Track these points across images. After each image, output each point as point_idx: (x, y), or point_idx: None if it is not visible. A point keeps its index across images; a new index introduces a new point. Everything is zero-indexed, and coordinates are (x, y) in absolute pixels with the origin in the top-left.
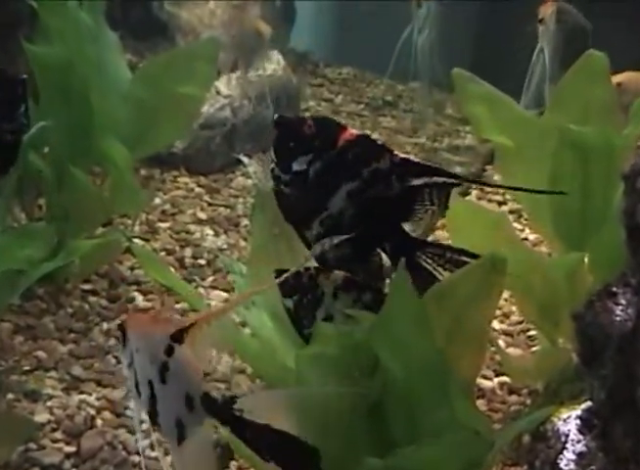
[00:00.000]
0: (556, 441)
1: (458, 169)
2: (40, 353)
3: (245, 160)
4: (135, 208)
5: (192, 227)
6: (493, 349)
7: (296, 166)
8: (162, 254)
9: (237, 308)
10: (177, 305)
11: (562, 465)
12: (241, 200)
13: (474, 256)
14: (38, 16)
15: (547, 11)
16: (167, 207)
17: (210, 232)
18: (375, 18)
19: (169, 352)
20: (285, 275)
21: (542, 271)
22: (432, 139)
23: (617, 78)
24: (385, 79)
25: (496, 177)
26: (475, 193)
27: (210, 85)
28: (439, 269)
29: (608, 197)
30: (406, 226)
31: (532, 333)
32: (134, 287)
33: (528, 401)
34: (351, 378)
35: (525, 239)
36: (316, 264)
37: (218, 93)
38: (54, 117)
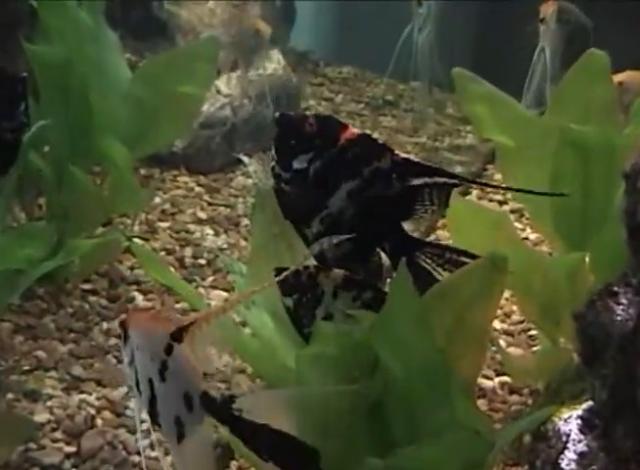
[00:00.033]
0: (557, 440)
1: (459, 169)
2: (40, 353)
3: (245, 159)
4: (135, 207)
5: (192, 227)
6: (494, 348)
7: (296, 164)
8: (162, 253)
9: (237, 308)
10: (177, 305)
11: (563, 465)
12: (241, 199)
13: (473, 256)
14: (38, 15)
15: (548, 10)
16: (167, 206)
17: (210, 232)
18: (375, 17)
19: (169, 350)
20: (284, 274)
21: (543, 271)
22: (432, 138)
23: (618, 77)
24: (385, 79)
25: (497, 177)
26: (475, 192)
27: (210, 85)
28: (439, 269)
29: (609, 196)
30: (407, 226)
31: (533, 333)
32: (134, 287)
33: (529, 401)
34: (351, 378)
35: (526, 238)
36: (316, 263)
37: (218, 92)
38: (54, 116)
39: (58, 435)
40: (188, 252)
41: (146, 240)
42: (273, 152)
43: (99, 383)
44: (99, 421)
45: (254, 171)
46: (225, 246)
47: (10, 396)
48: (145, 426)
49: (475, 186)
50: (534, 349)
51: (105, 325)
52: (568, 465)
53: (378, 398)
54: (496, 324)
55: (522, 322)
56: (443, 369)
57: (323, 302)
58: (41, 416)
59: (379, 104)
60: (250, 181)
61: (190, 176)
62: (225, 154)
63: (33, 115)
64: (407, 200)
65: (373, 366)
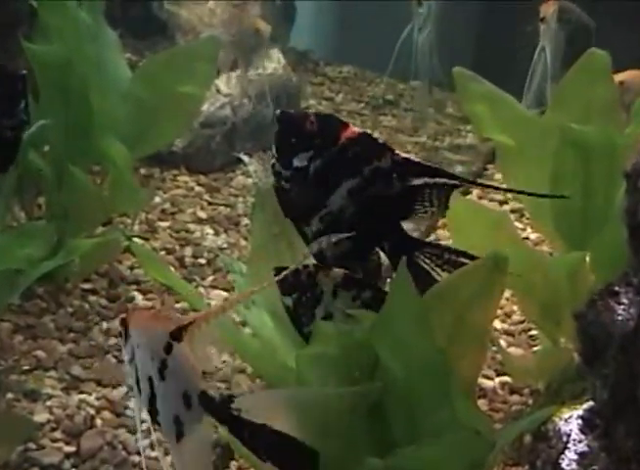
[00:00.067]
0: (557, 440)
1: (459, 168)
2: (40, 353)
3: (245, 158)
4: (135, 207)
5: (192, 226)
6: (494, 348)
7: (296, 162)
8: (162, 253)
9: (237, 308)
10: (177, 305)
11: (563, 465)
12: (241, 199)
13: (472, 257)
14: (38, 15)
15: (548, 10)
16: (167, 206)
17: (210, 231)
18: (375, 17)
19: (168, 349)
20: (284, 273)
21: (544, 271)
22: (432, 138)
23: (619, 77)
24: (385, 78)
25: (497, 176)
26: (476, 192)
27: (210, 84)
28: (437, 270)
29: (609, 196)
30: (407, 226)
31: (534, 332)
32: (134, 286)
33: (530, 401)
34: (352, 378)
35: (527, 238)
36: (315, 262)
37: (218, 92)
38: (53, 115)
39: (57, 435)
40: (188, 251)
41: (146, 239)
42: (273, 150)
43: (99, 383)
44: (98, 421)
45: (254, 171)
46: (225, 245)
47: (9, 395)
48: (145, 426)
49: (475, 186)
50: (535, 348)
51: (104, 325)
52: (568, 465)
53: (378, 398)
54: (497, 324)
55: (522, 322)
56: (444, 369)
57: (322, 301)
58: (41, 416)
59: (379, 103)
60: (250, 181)
61: (190, 176)
62: (225, 153)
63: (33, 114)
64: (407, 200)
65: (373, 366)
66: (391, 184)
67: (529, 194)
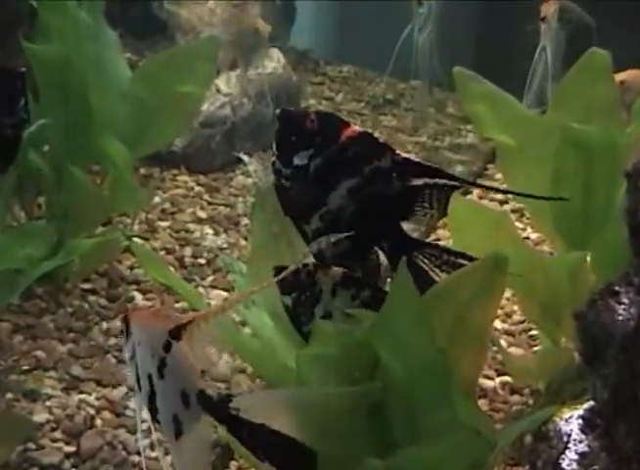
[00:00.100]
0: (558, 441)
1: (459, 168)
2: (39, 353)
3: (245, 158)
4: (134, 206)
5: (192, 226)
6: (495, 348)
7: (296, 161)
8: (162, 253)
9: (237, 308)
10: (177, 305)
11: (564, 465)
12: (241, 199)
13: (471, 259)
14: (37, 14)
15: (549, 9)
16: (167, 205)
17: (210, 231)
18: (375, 16)
19: (167, 347)
20: (283, 273)
21: (544, 270)
22: (433, 138)
23: (620, 76)
24: (385, 78)
25: (498, 176)
26: (476, 192)
27: (210, 84)
28: (436, 270)
29: (610, 195)
30: (407, 226)
31: (534, 332)
32: (134, 286)
33: (530, 401)
34: (352, 378)
35: (527, 238)
36: (314, 261)
37: (218, 91)
38: (53, 115)
39: (57, 435)
40: (188, 251)
41: (146, 239)
42: (274, 147)
43: (98, 383)
44: (98, 421)
45: (254, 170)
46: (225, 245)
47: (9, 395)
48: (145, 426)
49: (475, 187)
50: (535, 348)
51: (104, 325)
52: (569, 465)
53: (378, 398)
54: (497, 324)
55: (522, 322)
56: (444, 369)
57: (322, 300)
58: (40, 416)
59: (379, 103)
60: (250, 180)
61: (190, 175)
62: (225, 153)
63: (33, 114)
64: (407, 200)
65: (373, 366)
66: (391, 184)
67: (529, 196)
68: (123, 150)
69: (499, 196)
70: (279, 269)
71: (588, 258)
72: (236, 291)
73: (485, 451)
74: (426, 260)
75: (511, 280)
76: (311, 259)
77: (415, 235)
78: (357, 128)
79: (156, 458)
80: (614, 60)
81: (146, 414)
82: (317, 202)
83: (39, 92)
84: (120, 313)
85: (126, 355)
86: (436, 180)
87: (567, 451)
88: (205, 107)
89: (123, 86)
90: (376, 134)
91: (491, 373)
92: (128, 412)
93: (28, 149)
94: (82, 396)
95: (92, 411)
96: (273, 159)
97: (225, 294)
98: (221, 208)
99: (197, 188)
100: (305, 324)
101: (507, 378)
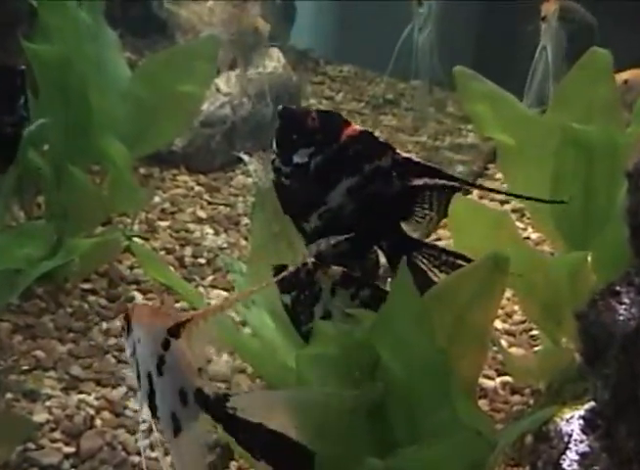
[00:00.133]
0: (559, 441)
1: (460, 168)
2: (39, 353)
3: (245, 158)
4: (134, 206)
5: (192, 226)
6: (495, 348)
7: (297, 159)
8: (162, 253)
9: (237, 308)
10: (177, 305)
11: (565, 466)
12: (241, 198)
13: (469, 261)
14: (37, 14)
15: (550, 9)
16: (167, 205)
17: (210, 231)
18: (375, 16)
19: (166, 345)
20: (283, 273)
21: (545, 270)
22: (433, 137)
23: (623, 76)
24: (385, 77)
25: (498, 176)
26: (476, 191)
27: (210, 83)
28: (435, 271)
29: (611, 195)
30: (406, 226)
31: (535, 332)
32: (134, 286)
33: (531, 401)
34: (352, 378)
35: (528, 238)
36: (313, 260)
37: (218, 91)
38: (53, 115)
39: (57, 435)
40: (188, 251)
41: (145, 239)
42: (274, 145)
43: (98, 383)
44: (98, 421)
45: (255, 170)
46: (225, 245)
47: (9, 395)
48: (145, 426)
49: (476, 188)
50: (536, 349)
51: (104, 325)
52: (569, 466)
53: (378, 398)
54: (498, 324)
55: (523, 322)
56: (444, 369)
57: (321, 299)
58: (40, 416)
59: (379, 102)
60: (250, 180)
61: (190, 175)
62: (225, 153)
63: (33, 113)
64: (406, 200)
65: (374, 366)
66: (391, 183)
67: (530, 198)
68: (123, 149)
69: (500, 196)
70: (278, 268)
71: (589, 259)
72: (236, 291)
73: (486, 452)
74: (425, 261)
75: (511, 280)
76: (310, 259)
77: (415, 235)
78: (358, 127)
79: (155, 459)
80: (615, 60)
81: (146, 414)
82: (316, 200)
83: (39, 92)
84: (120, 313)
85: (127, 352)
86: (437, 181)
87: (567, 452)
88: (204, 106)
89: (123, 86)
90: (376, 134)
91: (492, 373)
92: (128, 412)
93: (28, 148)
94: (82, 396)
95: (92, 411)
96: (273, 156)
97: (225, 294)
98: (221, 207)
99: (197, 188)
100: (305, 323)
101: (507, 378)
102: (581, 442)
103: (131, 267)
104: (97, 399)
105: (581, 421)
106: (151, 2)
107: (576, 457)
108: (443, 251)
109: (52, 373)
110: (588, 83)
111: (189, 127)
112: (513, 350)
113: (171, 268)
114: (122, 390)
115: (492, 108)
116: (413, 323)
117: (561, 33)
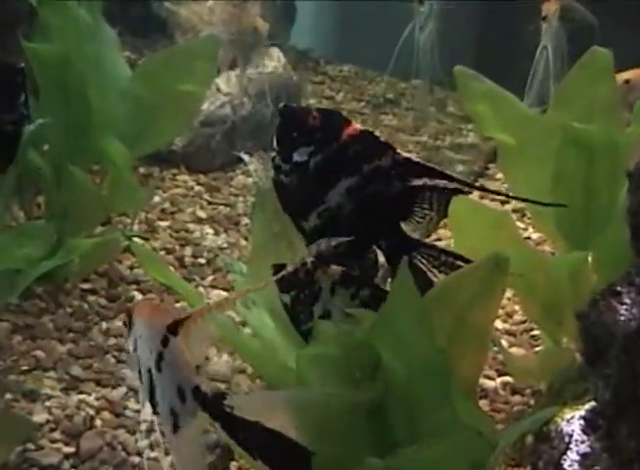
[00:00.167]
0: (559, 441)
1: (460, 168)
2: (39, 353)
3: (245, 158)
4: (134, 206)
5: (192, 226)
6: (496, 348)
7: (296, 157)
8: (162, 253)
9: (237, 308)
10: (177, 305)
11: (565, 466)
12: (241, 198)
13: (468, 261)
14: (37, 13)
15: (550, 8)
16: (167, 205)
17: (210, 231)
18: (375, 16)
19: (165, 342)
20: (282, 272)
21: (545, 270)
22: (433, 137)
23: (625, 75)
24: (386, 77)
25: (499, 176)
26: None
27: (210, 83)
28: (434, 271)
29: (612, 195)
30: (406, 226)
31: (536, 332)
32: (133, 286)
33: (532, 402)
34: (353, 378)
35: (528, 238)
36: (312, 259)
37: (218, 91)
38: (53, 114)
39: (56, 435)
40: (188, 251)
41: (145, 239)
42: (274, 143)
43: (98, 383)
44: (98, 422)
45: (255, 170)
46: (225, 245)
47: (8, 396)
48: (145, 426)
49: (477, 185)
50: (537, 349)
51: (104, 325)
52: (570, 466)
53: (378, 398)
54: (498, 324)
55: (524, 322)
56: (445, 369)
57: (320, 298)
58: (40, 416)
59: (380, 102)
60: (250, 180)
61: (190, 175)
62: (225, 152)
63: (33, 113)
64: (406, 200)
65: (374, 366)
66: (391, 183)
67: (529, 201)
68: (123, 149)
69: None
70: (278, 267)
71: (590, 259)
72: (236, 291)
73: (486, 452)
74: (424, 261)
75: (512, 280)
76: (310, 258)
77: (415, 235)
78: (359, 126)
79: (155, 459)
80: (616, 59)
81: (146, 413)
82: (316, 199)
83: (39, 92)
84: (120, 313)
85: (129, 348)
86: (436, 182)
87: (568, 452)
88: (205, 106)
89: (123, 85)
90: (377, 133)
91: (492, 373)
92: (128, 413)
93: (28, 148)
94: (82, 396)
95: (92, 412)
96: (273, 154)
97: (225, 294)
98: (221, 207)
99: (197, 188)
100: (304, 323)
101: (508, 378)
102: (582, 442)
103: (131, 267)
104: (97, 399)
105: (582, 421)
106: (151, 1)
107: (577, 458)
108: (442, 251)
109: (52, 373)
110: (589, 83)
111: (189, 127)
112: (513, 350)
113: (171, 268)
114: (122, 390)
115: (493, 107)
116: (413, 323)
117: (561, 33)
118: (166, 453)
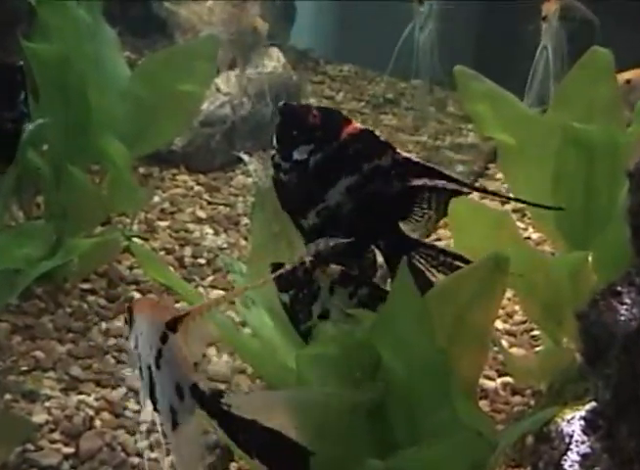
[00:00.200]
0: (560, 442)
1: (460, 168)
2: (38, 353)
3: (245, 158)
4: (134, 206)
5: (191, 226)
6: (496, 349)
7: (296, 155)
8: (162, 253)
9: (237, 308)
10: (177, 305)
11: (566, 466)
12: (241, 198)
13: (467, 262)
14: (36, 13)
15: (550, 8)
16: (166, 205)
17: (210, 231)
18: (375, 16)
19: (164, 339)
20: (280, 271)
21: (545, 270)
22: (433, 137)
23: (626, 75)
24: (386, 77)
25: (499, 176)
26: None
27: (210, 83)
28: (433, 271)
29: (612, 195)
30: (405, 225)
31: (536, 333)
32: (133, 286)
33: (532, 402)
34: (353, 378)
35: (529, 238)
36: (311, 258)
37: (218, 91)
38: (52, 114)
39: (56, 436)
40: (187, 251)
41: (145, 239)
42: (274, 141)
43: (98, 383)
44: (98, 422)
45: (254, 170)
46: (225, 245)
47: (8, 396)
48: (145, 427)
49: (477, 185)
50: (537, 349)
51: (104, 325)
52: (571, 467)
53: (379, 398)
54: (498, 324)
55: (524, 322)
56: (445, 369)
57: (319, 297)
58: (39, 417)
59: (379, 102)
60: (250, 180)
61: (189, 175)
62: (225, 152)
63: (32, 113)
64: (405, 200)
65: (374, 366)
66: (390, 183)
67: (529, 203)
68: (123, 149)
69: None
70: (276, 266)
71: (590, 259)
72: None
73: (486, 452)
74: (422, 261)
75: (512, 280)
76: (308, 257)
77: (414, 235)
78: (359, 126)
79: (155, 459)
80: (616, 59)
81: (146, 413)
82: (315, 197)
83: (38, 91)
84: (120, 314)
85: (131, 345)
86: (436, 182)
87: (568, 453)
88: (204, 106)
89: (122, 85)
90: (376, 133)
91: (492, 374)
92: (127, 413)
93: (27, 148)
94: (81, 396)
95: (91, 412)
96: (273, 152)
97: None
98: (221, 207)
99: (196, 187)
100: (303, 322)
101: (508, 379)
102: (582, 442)
103: (131, 267)
104: (96, 399)
105: (582, 422)
106: (151, 1)
107: (578, 458)
108: (441, 251)
109: (51, 374)
110: (589, 83)
111: (189, 127)
112: (514, 350)
113: (171, 268)
114: (122, 390)
115: (493, 107)
116: (414, 323)
117: (561, 33)
118: (167, 454)
